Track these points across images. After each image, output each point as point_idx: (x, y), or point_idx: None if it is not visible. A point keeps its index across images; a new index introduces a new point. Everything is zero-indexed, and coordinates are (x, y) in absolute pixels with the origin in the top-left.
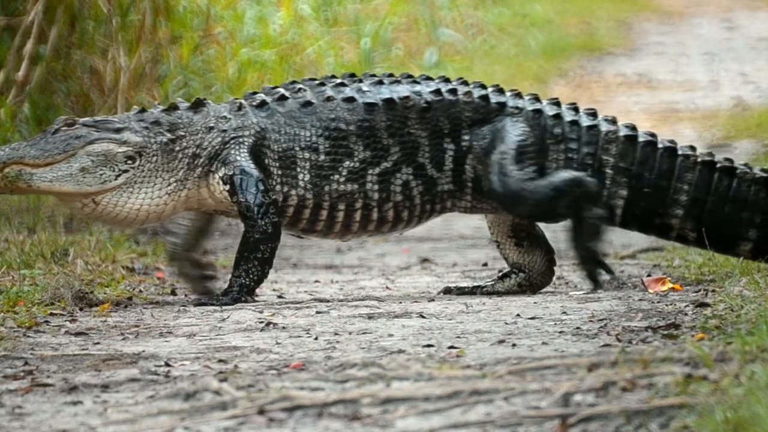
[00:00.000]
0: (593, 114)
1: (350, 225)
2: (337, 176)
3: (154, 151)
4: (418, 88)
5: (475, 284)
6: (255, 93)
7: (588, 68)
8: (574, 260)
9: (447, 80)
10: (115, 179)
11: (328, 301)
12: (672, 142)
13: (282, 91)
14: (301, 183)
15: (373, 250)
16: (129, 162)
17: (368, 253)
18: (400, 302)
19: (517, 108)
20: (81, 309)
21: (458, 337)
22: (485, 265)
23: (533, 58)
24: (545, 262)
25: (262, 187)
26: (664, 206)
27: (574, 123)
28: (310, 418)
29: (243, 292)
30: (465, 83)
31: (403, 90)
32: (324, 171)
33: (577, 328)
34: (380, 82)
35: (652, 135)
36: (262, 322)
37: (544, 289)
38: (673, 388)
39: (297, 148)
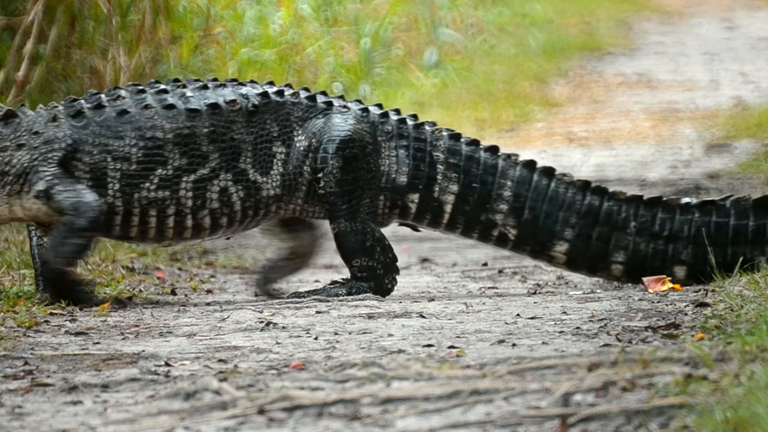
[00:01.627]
0: (414, 116)
1: (164, 231)
2: (147, 184)
3: None
4: (244, 90)
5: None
6: (75, 100)
7: (588, 68)
8: None
9: (271, 83)
10: None
11: (328, 301)
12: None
13: (102, 98)
14: (110, 192)
15: None
16: None
17: None
18: (400, 302)
19: (345, 107)
20: (81, 309)
21: (458, 337)
22: (485, 264)
23: (533, 57)
24: (288, 262)
25: (80, 187)
26: (490, 201)
27: (402, 121)
28: (310, 417)
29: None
30: (289, 86)
31: (228, 94)
32: (135, 180)
33: (577, 328)
34: (205, 87)
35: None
36: (262, 322)
37: (544, 289)
38: (673, 388)
39: (109, 159)
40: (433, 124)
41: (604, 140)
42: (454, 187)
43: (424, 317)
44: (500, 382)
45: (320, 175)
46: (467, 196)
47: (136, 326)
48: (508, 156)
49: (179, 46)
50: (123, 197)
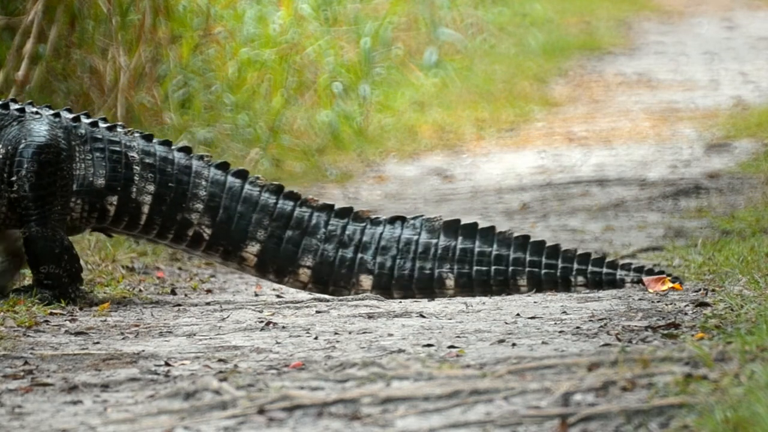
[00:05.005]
0: (104, 119)
1: None
2: None
3: None
4: None
5: None
6: None
7: (588, 68)
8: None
9: None
10: None
11: (328, 301)
12: (186, 149)
13: None
14: None
15: None
16: None
17: None
18: (400, 302)
19: (37, 113)
20: (81, 309)
21: (458, 336)
22: None
23: (533, 57)
24: (7, 264)
25: None
26: (186, 200)
27: (94, 124)
28: (310, 417)
29: None
30: None
31: None
32: None
33: (577, 327)
34: None
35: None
36: (262, 322)
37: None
38: (673, 388)
39: None
40: (123, 126)
41: (604, 140)
42: (151, 187)
43: (424, 317)
44: (500, 381)
45: (14, 178)
46: (164, 196)
47: (136, 326)
48: (201, 157)
49: (179, 46)
50: None
